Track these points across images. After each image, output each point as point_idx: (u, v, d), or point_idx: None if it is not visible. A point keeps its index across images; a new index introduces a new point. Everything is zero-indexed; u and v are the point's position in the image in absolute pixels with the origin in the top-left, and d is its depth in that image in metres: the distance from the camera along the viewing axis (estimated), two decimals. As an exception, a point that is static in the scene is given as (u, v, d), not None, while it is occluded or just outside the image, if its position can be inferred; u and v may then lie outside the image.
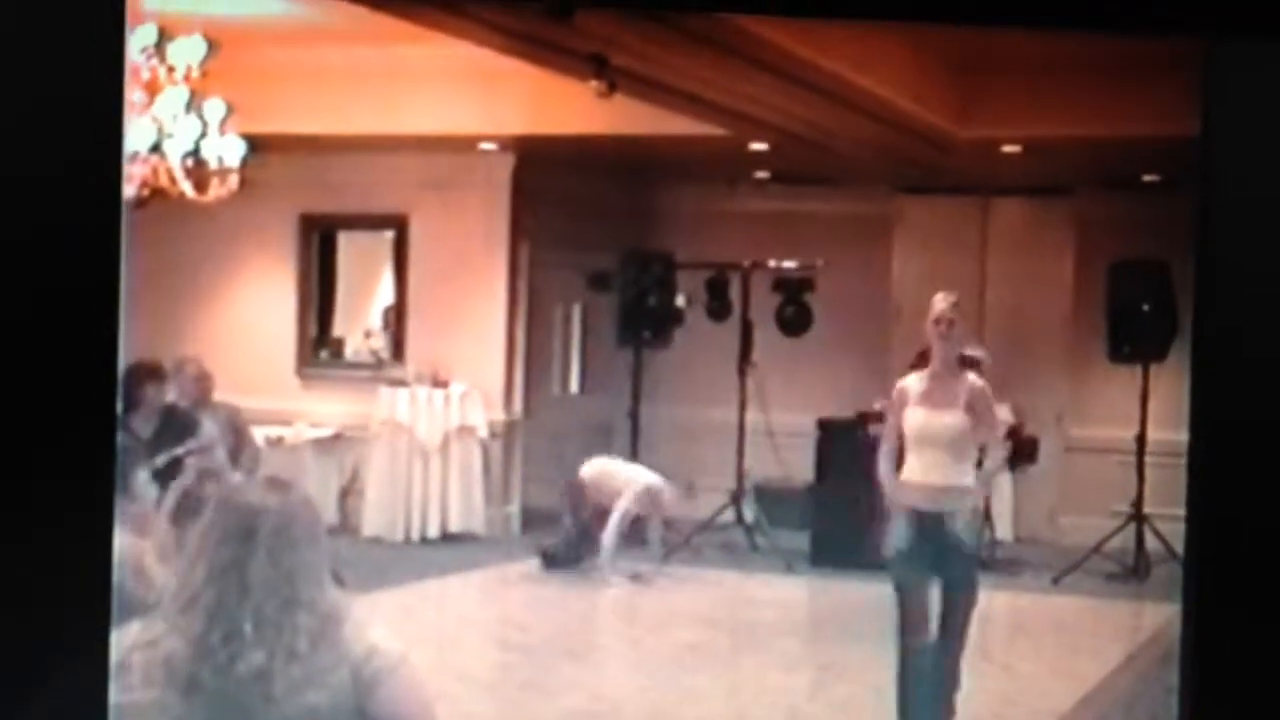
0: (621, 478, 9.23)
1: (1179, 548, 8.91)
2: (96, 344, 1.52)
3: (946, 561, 5.55)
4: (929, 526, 5.52)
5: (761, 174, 11.01)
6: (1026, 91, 8.61)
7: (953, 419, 5.54)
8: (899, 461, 5.66)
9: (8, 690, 1.53)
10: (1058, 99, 8.45)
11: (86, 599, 1.56)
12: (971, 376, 5.70)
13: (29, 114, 1.50)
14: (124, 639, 2.55)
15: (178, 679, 2.50)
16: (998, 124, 8.81)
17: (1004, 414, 10.72)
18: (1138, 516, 9.59)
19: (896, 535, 5.59)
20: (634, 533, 9.23)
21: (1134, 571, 9.50)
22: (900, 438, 5.63)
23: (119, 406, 6.72)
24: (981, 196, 11.11)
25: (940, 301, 5.70)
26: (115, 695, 2.50)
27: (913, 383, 5.67)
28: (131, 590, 2.96)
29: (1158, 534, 9.42)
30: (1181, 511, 1.62)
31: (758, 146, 9.46)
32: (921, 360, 5.81)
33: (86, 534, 1.54)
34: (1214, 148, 1.51)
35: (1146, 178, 9.69)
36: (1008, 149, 9.29)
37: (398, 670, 2.61)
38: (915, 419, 5.58)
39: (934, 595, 5.59)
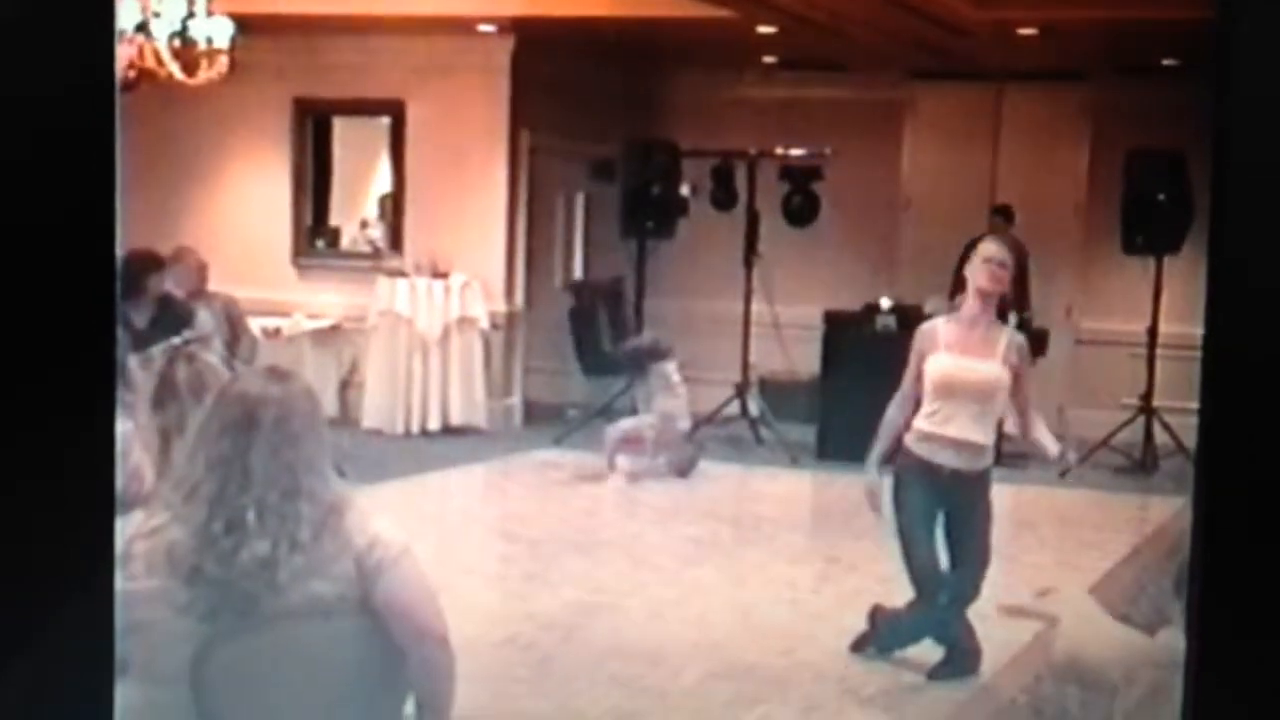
0: (655, 394, 9.07)
1: (1188, 441, 8.97)
2: (93, 234, 1.48)
3: (957, 520, 5.15)
4: (942, 483, 5.08)
5: (769, 59, 10.79)
6: (1044, -27, 8.38)
7: (988, 369, 5.01)
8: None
9: (10, 603, 1.47)
10: (1075, -19, 8.22)
11: (88, 500, 1.50)
12: (1011, 329, 5.15)
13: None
14: (126, 528, 2.56)
15: (180, 568, 2.51)
16: (1013, 6, 8.58)
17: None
18: (1147, 410, 9.56)
19: (907, 495, 5.10)
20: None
21: (1142, 465, 9.51)
22: (920, 384, 5.09)
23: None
24: (995, 82, 10.90)
25: (991, 245, 5.15)
26: (118, 584, 2.47)
27: (942, 326, 5.13)
28: (124, 487, 2.92)
29: (1166, 427, 9.39)
30: (1191, 405, 1.53)
31: (765, 30, 9.24)
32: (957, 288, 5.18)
33: (87, 431, 1.48)
34: (1232, 34, 1.39)
35: (1165, 62, 9.47)
36: (1023, 32, 9.06)
37: (401, 560, 2.62)
38: (943, 365, 5.04)
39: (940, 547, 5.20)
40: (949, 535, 5.23)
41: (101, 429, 1.49)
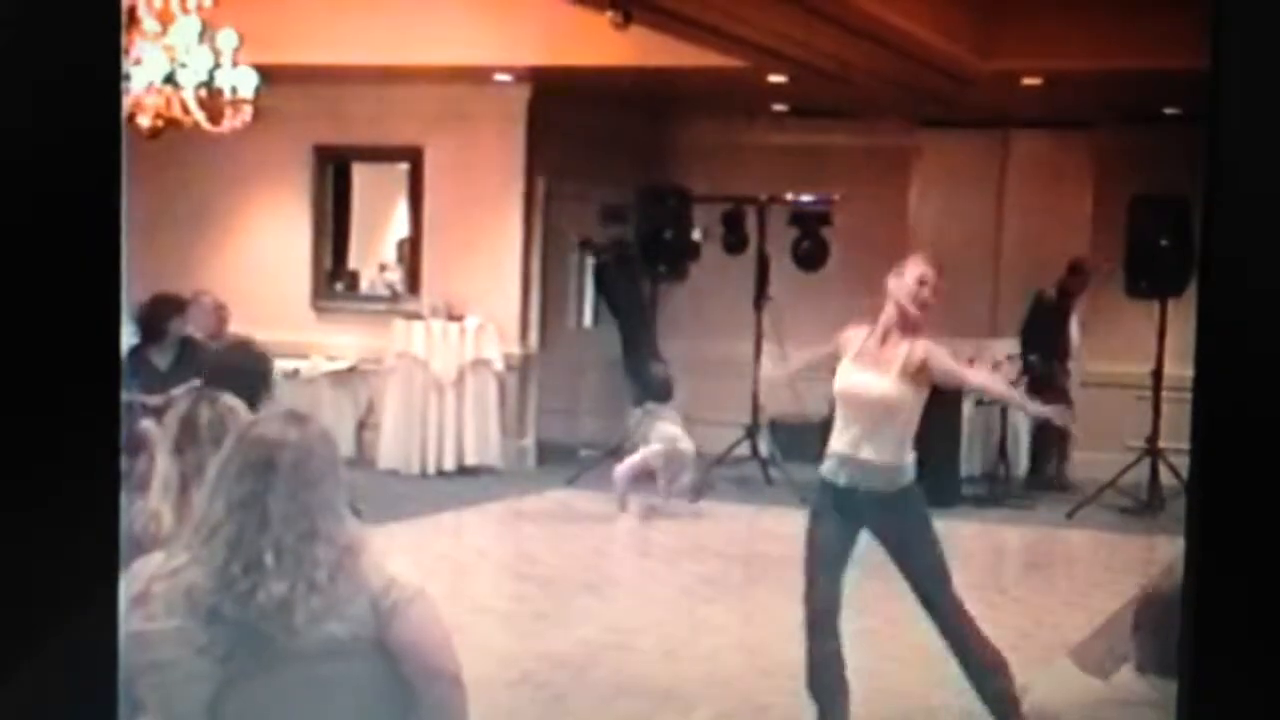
0: (655, 424, 9.21)
1: (1194, 483, 9.07)
2: (97, 280, 1.47)
3: (901, 555, 4.79)
4: (845, 501, 4.76)
5: (779, 107, 10.93)
6: (1047, 23, 8.52)
7: (881, 389, 4.64)
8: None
9: (17, 635, 1.51)
10: (1079, 30, 8.36)
11: (93, 548, 1.52)
12: (924, 341, 4.68)
13: (19, 38, 1.45)
14: (146, 568, 2.59)
15: (199, 609, 2.52)
16: (1018, 56, 8.72)
17: (1014, 348, 10.74)
18: (1152, 451, 9.60)
19: (819, 529, 4.85)
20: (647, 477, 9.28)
21: (1148, 506, 9.53)
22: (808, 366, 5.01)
23: (138, 338, 6.73)
24: (1001, 130, 11.02)
25: (920, 265, 4.76)
26: (137, 623, 2.53)
27: (860, 335, 4.77)
28: (142, 529, 2.98)
29: (1172, 469, 9.43)
30: (1196, 446, 1.61)
31: (776, 79, 9.38)
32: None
33: (90, 478, 1.50)
34: (1222, 79, 1.47)
35: (1167, 111, 9.59)
36: (1028, 81, 9.19)
37: (416, 601, 2.62)
38: (842, 376, 4.73)
39: (844, 582, 4.87)
40: (914, 586, 4.86)
41: (105, 465, 1.48)
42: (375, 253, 11.45)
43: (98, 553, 1.51)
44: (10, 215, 1.44)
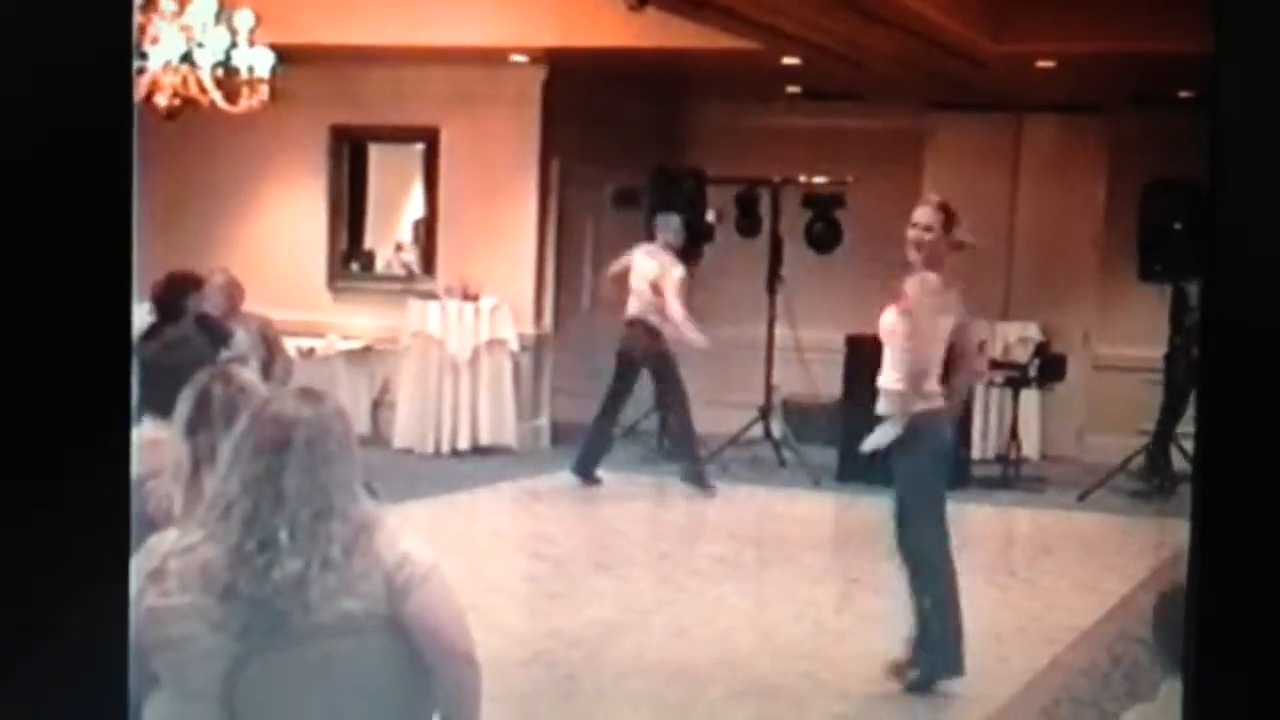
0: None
1: (1205, 467, 9.04)
2: (109, 259, 1.47)
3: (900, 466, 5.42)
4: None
5: (793, 89, 10.92)
6: (1061, 5, 8.50)
7: (887, 319, 5.39)
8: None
9: (24, 630, 1.53)
10: (1093, 13, 8.34)
11: (104, 529, 1.53)
12: (923, 275, 5.39)
13: (31, 19, 1.45)
14: (161, 545, 2.62)
15: (214, 585, 2.55)
16: (1032, 39, 8.70)
17: (1032, 331, 10.75)
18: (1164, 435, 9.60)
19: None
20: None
21: (1159, 489, 9.53)
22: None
23: (154, 316, 6.75)
24: (1014, 113, 10.99)
25: (920, 210, 5.44)
26: (153, 600, 2.56)
27: (921, 280, 5.47)
28: (155, 508, 3.01)
29: (1184, 452, 9.42)
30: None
31: (789, 61, 9.38)
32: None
33: (102, 456, 1.51)
34: (1226, 61, 1.49)
35: (1181, 94, 9.56)
36: (1042, 64, 9.17)
37: (429, 579, 2.65)
38: (929, 320, 5.41)
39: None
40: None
41: (117, 445, 1.50)
42: (391, 233, 11.48)
43: (108, 546, 1.50)
44: (17, 209, 1.43)
